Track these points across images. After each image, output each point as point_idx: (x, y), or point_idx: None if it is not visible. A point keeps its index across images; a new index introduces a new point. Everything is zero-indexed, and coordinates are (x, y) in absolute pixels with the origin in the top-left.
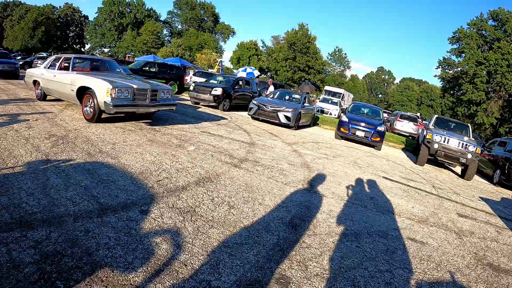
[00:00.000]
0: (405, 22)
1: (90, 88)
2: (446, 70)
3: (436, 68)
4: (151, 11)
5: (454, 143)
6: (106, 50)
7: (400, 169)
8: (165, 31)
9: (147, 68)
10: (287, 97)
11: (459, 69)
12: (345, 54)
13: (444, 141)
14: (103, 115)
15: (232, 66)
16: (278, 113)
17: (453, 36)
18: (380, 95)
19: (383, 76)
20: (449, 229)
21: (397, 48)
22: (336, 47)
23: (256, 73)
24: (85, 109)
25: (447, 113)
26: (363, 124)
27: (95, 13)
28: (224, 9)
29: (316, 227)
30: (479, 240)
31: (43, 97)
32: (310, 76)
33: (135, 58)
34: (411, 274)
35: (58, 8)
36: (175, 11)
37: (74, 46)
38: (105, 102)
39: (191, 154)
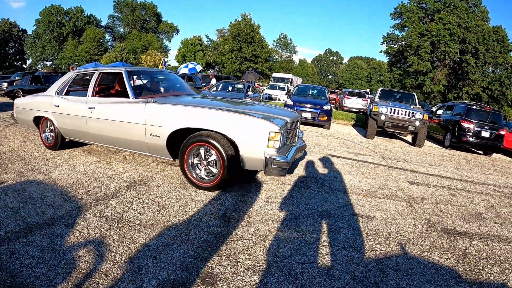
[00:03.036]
0: (347, 2)
1: (210, 131)
2: (391, 45)
3: (381, 44)
4: (91, 17)
5: (400, 112)
6: (48, 63)
7: (349, 145)
8: (107, 36)
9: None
10: (230, 88)
11: (403, 42)
12: (291, 39)
13: (390, 112)
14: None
15: (178, 64)
16: None
17: (395, 11)
18: (330, 76)
19: (331, 58)
20: (399, 198)
21: (342, 29)
22: (281, 34)
23: (199, 68)
24: (194, 174)
25: (396, 86)
26: (308, 105)
27: (33, 26)
28: (166, 7)
29: (252, 216)
30: (431, 206)
31: (60, 143)
32: (257, 65)
33: (77, 68)
34: (356, 253)
35: None
36: (115, 14)
37: (15, 63)
38: (267, 158)
39: (126, 158)
